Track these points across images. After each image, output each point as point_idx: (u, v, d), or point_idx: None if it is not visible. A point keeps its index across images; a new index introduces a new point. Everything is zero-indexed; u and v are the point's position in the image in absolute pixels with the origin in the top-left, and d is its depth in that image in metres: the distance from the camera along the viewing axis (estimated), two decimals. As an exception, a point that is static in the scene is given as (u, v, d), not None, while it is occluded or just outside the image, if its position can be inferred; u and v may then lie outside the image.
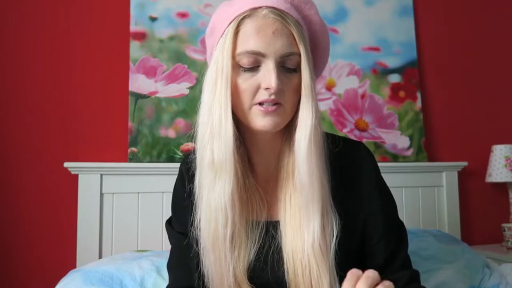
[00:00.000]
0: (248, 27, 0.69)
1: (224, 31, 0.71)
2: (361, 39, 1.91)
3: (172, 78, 1.65)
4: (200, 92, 0.74)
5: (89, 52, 1.61)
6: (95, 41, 1.62)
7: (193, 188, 0.76)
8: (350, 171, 0.78)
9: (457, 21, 2.12)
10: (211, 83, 0.71)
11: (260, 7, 0.69)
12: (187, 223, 0.78)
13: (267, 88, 0.67)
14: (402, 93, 1.93)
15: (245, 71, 0.69)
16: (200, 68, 1.67)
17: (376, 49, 1.93)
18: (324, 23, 0.77)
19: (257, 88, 0.69)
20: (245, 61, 0.68)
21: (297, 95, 0.71)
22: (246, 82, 0.69)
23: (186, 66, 1.66)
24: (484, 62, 2.14)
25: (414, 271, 0.79)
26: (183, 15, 1.71)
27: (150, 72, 1.63)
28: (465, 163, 1.93)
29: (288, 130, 0.75)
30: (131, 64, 1.61)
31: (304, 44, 0.70)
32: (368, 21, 1.93)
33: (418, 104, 1.95)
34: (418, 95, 1.96)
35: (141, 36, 1.65)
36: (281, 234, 0.74)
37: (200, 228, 0.73)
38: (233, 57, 0.69)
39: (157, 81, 1.63)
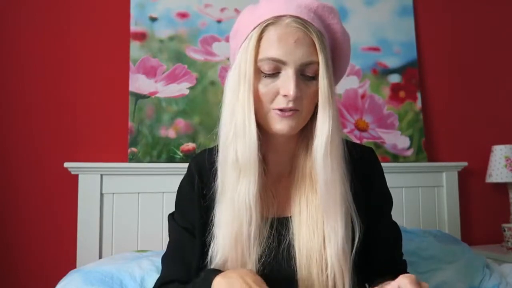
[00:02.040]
0: (271, 34, 0.71)
1: (248, 36, 0.73)
2: (361, 39, 1.91)
3: (172, 78, 1.65)
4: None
5: (89, 52, 1.61)
6: (95, 41, 1.62)
7: (212, 186, 0.77)
8: (363, 177, 0.81)
9: (457, 21, 2.12)
10: (234, 85, 0.73)
11: (284, 16, 0.71)
12: (194, 220, 0.80)
13: (285, 95, 0.70)
14: (402, 93, 1.93)
15: (266, 76, 0.72)
16: (200, 68, 1.67)
17: (376, 49, 1.93)
18: (346, 32, 0.79)
19: (276, 94, 0.71)
20: (266, 67, 0.71)
21: (314, 102, 0.73)
22: (266, 87, 0.72)
23: (186, 66, 1.66)
24: (484, 62, 2.14)
25: (403, 261, 0.85)
26: (183, 15, 1.71)
27: (150, 72, 1.63)
28: (465, 163, 1.93)
29: (304, 132, 0.78)
30: (131, 64, 1.61)
31: (324, 54, 0.71)
32: (368, 21, 1.93)
33: (418, 104, 1.95)
34: (418, 95, 1.96)
35: (141, 36, 1.65)
36: (292, 232, 0.76)
37: (221, 225, 0.74)
38: (255, 62, 0.71)
39: (157, 81, 1.63)
